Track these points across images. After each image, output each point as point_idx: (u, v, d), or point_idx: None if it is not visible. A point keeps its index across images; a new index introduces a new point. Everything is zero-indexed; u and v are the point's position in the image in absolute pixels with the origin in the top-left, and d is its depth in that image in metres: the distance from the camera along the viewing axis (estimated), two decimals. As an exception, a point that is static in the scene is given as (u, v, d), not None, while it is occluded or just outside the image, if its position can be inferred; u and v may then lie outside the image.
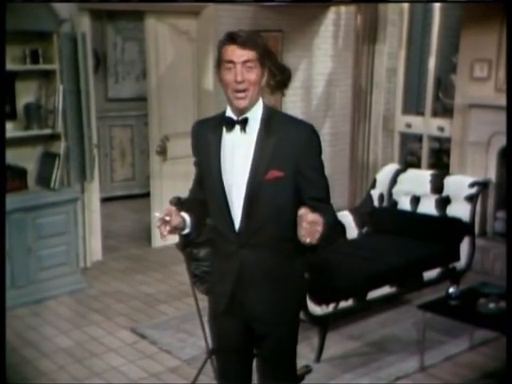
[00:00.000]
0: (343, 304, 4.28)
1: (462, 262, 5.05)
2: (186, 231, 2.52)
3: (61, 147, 5.26)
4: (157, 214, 2.42)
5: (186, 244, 3.57)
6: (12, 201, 4.82)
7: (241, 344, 2.63)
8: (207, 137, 2.52)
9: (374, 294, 4.48)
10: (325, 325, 4.23)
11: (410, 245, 4.91)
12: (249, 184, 2.42)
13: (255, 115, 2.45)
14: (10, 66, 4.93)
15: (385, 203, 5.46)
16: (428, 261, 4.86)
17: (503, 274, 4.55)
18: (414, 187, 5.34)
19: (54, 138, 5.30)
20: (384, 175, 5.55)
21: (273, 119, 2.46)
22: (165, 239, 2.44)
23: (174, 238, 4.11)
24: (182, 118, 6.30)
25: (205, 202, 2.59)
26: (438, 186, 5.23)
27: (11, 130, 5.12)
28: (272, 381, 2.64)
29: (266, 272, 2.49)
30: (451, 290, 4.19)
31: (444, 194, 5.20)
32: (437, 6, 6.58)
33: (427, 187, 5.27)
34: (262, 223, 2.45)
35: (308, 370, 3.90)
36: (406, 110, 7.11)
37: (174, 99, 6.31)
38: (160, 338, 4.54)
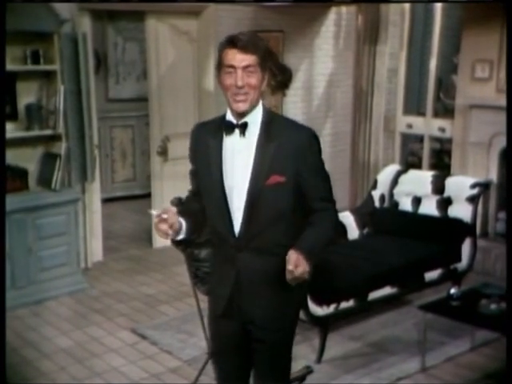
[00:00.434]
0: (344, 305, 4.28)
1: (463, 263, 5.05)
2: (181, 236, 2.49)
3: (62, 148, 5.26)
4: (153, 212, 2.41)
5: (187, 245, 3.56)
6: (13, 201, 4.82)
7: (239, 346, 2.63)
8: (207, 141, 2.50)
9: (375, 295, 4.48)
10: (326, 325, 4.23)
11: (411, 245, 4.91)
12: (250, 189, 2.41)
13: (255, 119, 2.44)
14: (11, 66, 4.94)
15: (386, 204, 5.46)
16: (429, 261, 4.85)
17: (504, 274, 4.53)
18: (415, 188, 5.34)
19: (55, 138, 5.30)
20: (385, 176, 5.54)
21: (273, 123, 2.45)
22: (166, 237, 2.43)
23: (175, 239, 4.13)
24: (182, 118, 6.30)
25: (201, 213, 2.57)
26: (439, 187, 5.23)
27: (12, 130, 5.13)
28: (266, 381, 2.64)
29: (265, 276, 2.48)
30: (452, 290, 4.20)
31: (445, 194, 5.20)
32: (438, 6, 6.57)
33: (428, 188, 5.27)
34: (262, 227, 2.44)
35: (309, 370, 3.90)
36: (407, 111, 7.10)
37: (175, 99, 6.32)
38: (161, 338, 4.54)
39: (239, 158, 2.43)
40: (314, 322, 4.15)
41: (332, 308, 4.20)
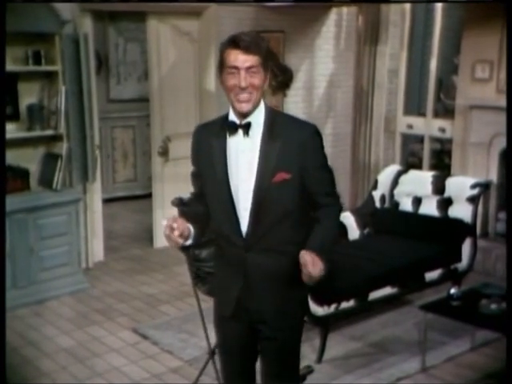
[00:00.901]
0: (345, 305, 4.29)
1: (463, 263, 5.05)
2: (189, 242, 2.49)
3: (63, 148, 5.27)
4: (164, 222, 2.41)
5: (189, 245, 3.57)
6: (14, 201, 4.83)
7: (245, 346, 2.63)
8: (210, 142, 2.50)
9: (375, 295, 4.49)
10: (326, 325, 4.24)
11: (411, 246, 4.91)
12: (256, 188, 2.42)
13: (258, 119, 2.44)
14: (12, 67, 4.96)
15: (386, 204, 5.46)
16: (430, 261, 4.86)
17: (504, 274, 4.53)
18: (415, 188, 5.34)
19: (57, 138, 5.31)
20: (385, 176, 5.55)
21: (275, 122, 2.45)
22: (177, 245, 2.43)
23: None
24: (183, 118, 6.31)
25: (205, 215, 2.57)
26: (439, 187, 5.24)
27: (14, 130, 5.14)
28: (275, 381, 2.64)
29: (273, 275, 2.49)
30: (453, 290, 4.20)
31: (446, 195, 5.20)
32: (438, 6, 6.58)
33: (429, 188, 5.27)
34: (270, 226, 2.45)
35: (310, 370, 3.91)
36: (408, 111, 7.10)
37: (176, 100, 6.32)
38: (162, 338, 4.54)
39: (243, 158, 2.44)
40: (314, 321, 4.16)
41: (332, 308, 4.20)
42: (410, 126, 7.01)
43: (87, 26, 5.66)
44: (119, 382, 4.00)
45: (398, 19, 6.90)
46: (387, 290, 4.57)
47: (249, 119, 2.43)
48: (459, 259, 5.03)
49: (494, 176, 5.96)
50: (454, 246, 5.02)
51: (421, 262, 4.80)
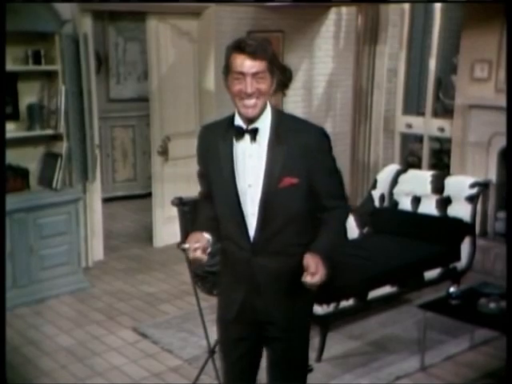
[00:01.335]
0: (344, 304, 4.29)
1: (462, 262, 5.06)
2: (209, 250, 2.48)
3: (63, 147, 5.28)
4: (186, 246, 2.41)
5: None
6: (14, 201, 4.84)
7: (249, 348, 2.63)
8: (217, 144, 2.47)
9: (374, 294, 4.49)
10: (326, 324, 4.24)
11: (410, 245, 4.92)
12: (263, 192, 2.40)
13: (264, 124, 2.41)
14: (12, 66, 4.96)
15: (386, 203, 5.47)
16: (429, 261, 4.87)
17: (504, 273, 4.54)
18: (414, 188, 5.35)
19: (56, 138, 5.32)
20: (385, 176, 5.56)
21: (282, 125, 2.42)
22: (201, 261, 2.43)
23: (175, 238, 4.14)
24: (183, 118, 6.32)
25: (216, 220, 2.55)
26: (438, 187, 5.24)
27: (14, 130, 5.14)
28: (283, 381, 2.63)
29: (281, 276, 2.48)
30: (452, 289, 4.21)
31: (445, 194, 5.21)
32: (437, 6, 6.59)
33: (428, 188, 5.28)
34: (277, 230, 2.44)
35: (309, 369, 3.90)
36: (407, 111, 7.12)
37: (176, 100, 6.33)
38: (161, 337, 4.55)
39: (251, 163, 2.41)
40: (313, 321, 4.10)
41: (332, 307, 4.21)
42: (409, 126, 7.02)
43: (87, 25, 5.66)
44: (119, 381, 4.01)
45: (397, 19, 6.91)
46: (386, 289, 4.57)
47: (256, 124, 2.40)
48: (458, 258, 5.04)
49: (492, 175, 5.97)
50: (453, 246, 5.03)
51: (420, 261, 4.81)
